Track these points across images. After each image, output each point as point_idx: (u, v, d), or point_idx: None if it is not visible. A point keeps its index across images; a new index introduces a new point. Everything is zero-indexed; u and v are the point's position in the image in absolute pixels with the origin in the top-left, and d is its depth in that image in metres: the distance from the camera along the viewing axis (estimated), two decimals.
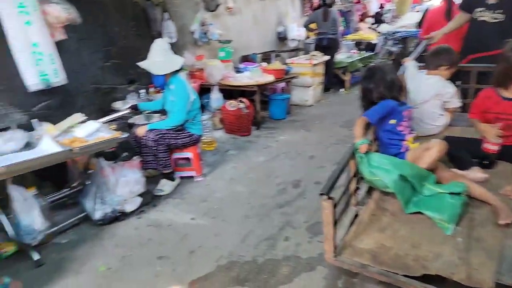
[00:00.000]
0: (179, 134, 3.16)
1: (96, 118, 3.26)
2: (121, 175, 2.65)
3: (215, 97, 4.67)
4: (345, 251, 1.78)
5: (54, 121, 2.85)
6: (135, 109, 3.43)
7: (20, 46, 2.71)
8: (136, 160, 2.81)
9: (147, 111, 3.59)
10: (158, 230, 2.60)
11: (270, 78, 4.76)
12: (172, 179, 3.22)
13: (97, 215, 2.56)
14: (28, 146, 2.41)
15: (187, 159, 3.42)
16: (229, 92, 4.90)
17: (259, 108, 4.83)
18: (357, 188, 2.14)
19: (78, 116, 2.82)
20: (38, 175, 2.60)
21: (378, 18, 10.17)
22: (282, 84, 5.73)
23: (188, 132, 3.22)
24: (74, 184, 2.86)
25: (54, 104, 3.31)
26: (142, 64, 2.98)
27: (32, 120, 2.66)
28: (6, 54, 2.79)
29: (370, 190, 2.22)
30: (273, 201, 2.95)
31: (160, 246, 2.40)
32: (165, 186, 3.14)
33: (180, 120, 3.10)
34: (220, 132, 4.76)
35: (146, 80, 4.36)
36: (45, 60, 2.86)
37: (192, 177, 3.41)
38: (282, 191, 3.11)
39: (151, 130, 3.03)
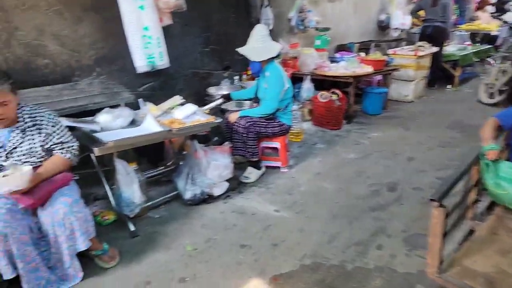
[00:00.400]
0: (269, 122, 3.10)
1: (192, 101, 3.38)
2: (212, 159, 2.69)
3: (306, 87, 4.50)
4: (453, 270, 1.54)
5: (155, 101, 3.02)
6: (227, 99, 3.44)
7: (133, 29, 2.92)
8: (227, 145, 2.82)
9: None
10: (242, 217, 2.58)
11: (368, 69, 4.41)
12: (259, 168, 3.19)
13: (188, 195, 2.65)
14: (133, 123, 2.59)
15: (275, 148, 3.35)
16: (320, 83, 4.68)
17: (352, 101, 4.53)
18: (477, 200, 1.81)
19: (177, 99, 2.94)
20: (137, 151, 2.79)
21: (500, 7, 8.77)
22: (379, 77, 5.30)
23: (279, 122, 3.14)
24: (168, 163, 3.01)
25: (157, 86, 3.53)
26: (241, 50, 2.97)
27: (139, 100, 2.84)
28: (120, 37, 3.03)
29: (493, 204, 1.86)
30: (364, 203, 2.72)
31: (243, 234, 2.38)
32: (251, 174, 3.13)
33: (272, 109, 3.03)
34: (308, 123, 4.60)
35: (240, 66, 4.41)
36: (153, 43, 3.03)
37: (277, 167, 3.34)
38: (374, 193, 2.85)
39: (242, 117, 3.02)
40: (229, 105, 3.55)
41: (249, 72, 4.43)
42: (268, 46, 2.97)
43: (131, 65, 3.16)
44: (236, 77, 4.08)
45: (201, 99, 3.84)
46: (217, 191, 2.76)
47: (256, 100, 3.37)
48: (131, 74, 3.24)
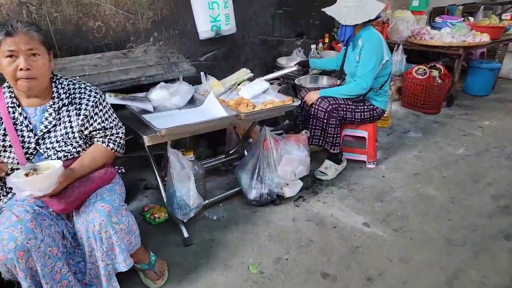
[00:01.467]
0: (358, 106, 2.43)
1: (259, 74, 2.82)
2: (285, 151, 2.12)
3: (397, 59, 3.67)
4: None
5: (217, 73, 2.51)
6: (303, 66, 2.83)
7: None
8: (305, 135, 2.22)
9: (317, 70, 2.95)
10: (320, 229, 2.01)
11: (484, 38, 3.43)
12: (338, 162, 2.57)
13: (252, 194, 2.14)
14: (192, 101, 2.10)
15: (360, 138, 2.69)
16: (409, 54, 3.78)
17: (457, 78, 3.61)
18: None
19: (244, 72, 2.39)
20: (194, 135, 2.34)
21: None
22: (482, 49, 4.26)
23: (371, 105, 2.45)
24: (230, 151, 2.51)
25: (219, 55, 3.00)
26: (328, 10, 2.27)
27: (201, 73, 2.34)
28: None
29: None
30: (492, 224, 1.99)
31: (323, 256, 1.82)
32: (329, 169, 2.52)
33: (364, 88, 2.34)
34: (396, 104, 3.81)
35: (315, 33, 3.72)
36: (219, 3, 2.47)
37: (362, 162, 2.69)
38: (504, 210, 2.10)
39: (324, 97, 2.38)
40: (302, 80, 2.91)
41: (326, 40, 3.71)
42: (365, 6, 2.23)
43: (192, 29, 2.65)
44: (313, 46, 3.38)
45: (269, 72, 3.25)
46: (288, 192, 2.21)
47: (340, 74, 2.70)
48: (192, 40, 2.74)
